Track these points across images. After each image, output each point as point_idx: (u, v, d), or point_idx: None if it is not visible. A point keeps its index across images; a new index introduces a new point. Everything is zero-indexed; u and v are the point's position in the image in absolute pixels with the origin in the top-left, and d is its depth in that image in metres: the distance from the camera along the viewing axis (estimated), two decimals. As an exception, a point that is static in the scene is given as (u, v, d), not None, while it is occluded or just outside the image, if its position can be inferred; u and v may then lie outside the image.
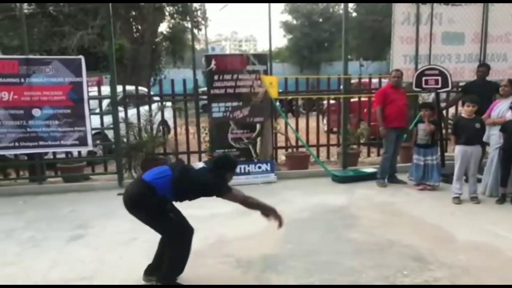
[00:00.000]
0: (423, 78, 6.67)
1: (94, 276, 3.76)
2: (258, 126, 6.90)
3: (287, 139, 7.74)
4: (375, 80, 8.60)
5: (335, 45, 33.82)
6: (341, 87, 7.68)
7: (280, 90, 7.55)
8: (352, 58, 29.30)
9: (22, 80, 6.23)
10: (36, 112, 6.31)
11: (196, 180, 3.29)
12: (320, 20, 34.42)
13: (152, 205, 3.27)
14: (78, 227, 4.97)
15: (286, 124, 7.48)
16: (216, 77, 6.76)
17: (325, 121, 10.41)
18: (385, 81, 7.67)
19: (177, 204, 3.54)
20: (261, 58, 7.00)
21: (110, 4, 6.66)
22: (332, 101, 8.94)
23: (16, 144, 6.31)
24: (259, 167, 6.89)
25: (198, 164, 3.48)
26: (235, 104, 6.81)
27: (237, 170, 6.62)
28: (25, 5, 13.84)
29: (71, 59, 6.67)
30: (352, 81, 8.54)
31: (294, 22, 34.98)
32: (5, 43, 15.37)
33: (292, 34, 34.89)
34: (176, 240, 3.42)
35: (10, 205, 5.96)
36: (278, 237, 4.55)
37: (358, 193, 6.13)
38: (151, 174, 3.36)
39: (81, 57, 6.45)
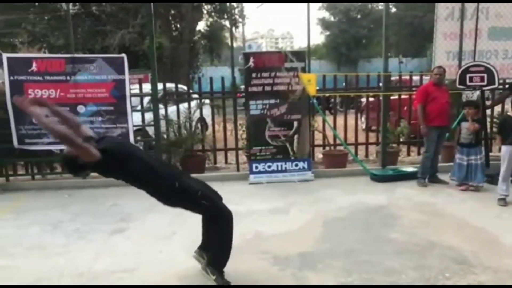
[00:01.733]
0: (468, 75, 6.45)
1: (135, 269, 3.87)
2: (295, 123, 6.87)
3: (324, 137, 7.68)
4: (416, 78, 8.39)
5: (373, 41, 33.30)
6: (381, 84, 7.55)
7: (318, 88, 7.50)
8: (391, 55, 28.68)
9: (68, 78, 6.47)
10: (80, 108, 6.54)
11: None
12: (358, 16, 33.90)
13: (177, 194, 3.33)
14: (120, 221, 5.13)
15: (324, 121, 7.42)
16: (254, 75, 6.79)
17: (363, 119, 10.27)
18: (426, 79, 7.48)
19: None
20: (299, 55, 6.96)
21: (152, 4, 6.82)
22: (371, 99, 8.80)
23: (62, 139, 6.56)
24: (296, 165, 6.86)
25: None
26: (272, 101, 6.82)
27: (274, 167, 6.78)
28: (71, 5, 14.32)
29: (114, 57, 6.88)
30: (392, 78, 8.36)
31: (332, 18, 34.59)
32: (51, 42, 16.01)
33: (330, 30, 34.54)
34: (214, 218, 3.46)
35: (57, 198, 6.22)
36: (316, 235, 4.55)
37: (398, 192, 6.01)
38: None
39: (124, 55, 6.63)
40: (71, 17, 7.50)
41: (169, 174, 3.40)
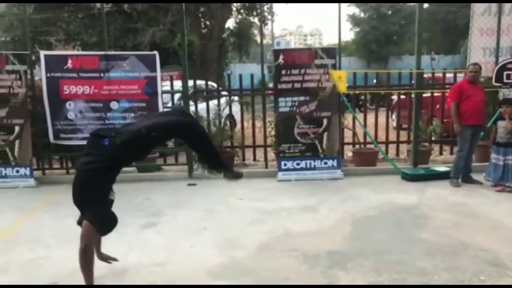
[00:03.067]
0: (505, 73, 6.28)
1: (167, 263, 3.94)
2: (325, 121, 6.82)
3: (354, 134, 7.60)
4: (449, 75, 8.19)
5: (404, 38, 32.70)
6: (413, 81, 7.40)
7: (348, 85, 7.41)
8: (423, 51, 28.04)
9: (102, 74, 6.62)
10: (113, 105, 6.68)
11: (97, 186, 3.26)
12: (389, 12, 33.32)
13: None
14: (151, 215, 5.22)
15: (354, 119, 7.34)
16: (283, 72, 6.77)
17: (394, 117, 10.10)
18: (460, 76, 7.29)
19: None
20: (329, 52, 6.91)
21: (184, 4, 6.89)
22: (402, 96, 8.65)
23: (96, 135, 6.71)
24: (325, 163, 6.82)
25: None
26: (302, 98, 6.78)
27: (303, 165, 6.74)
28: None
29: (146, 54, 7.01)
30: (425, 75, 8.18)
31: (362, 15, 34.12)
32: (85, 40, 16.41)
33: (360, 27, 34.09)
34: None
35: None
36: (345, 234, 4.52)
37: (430, 192, 5.89)
38: None
39: (156, 52, 6.73)
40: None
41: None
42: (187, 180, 6.80)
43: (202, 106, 7.71)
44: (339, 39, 7.16)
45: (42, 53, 6.73)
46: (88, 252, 3.24)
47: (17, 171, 6.80)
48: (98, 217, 3.23)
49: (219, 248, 4.21)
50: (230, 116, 8.09)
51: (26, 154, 6.80)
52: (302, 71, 6.73)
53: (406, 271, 3.64)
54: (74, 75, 6.58)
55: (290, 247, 4.19)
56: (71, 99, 6.64)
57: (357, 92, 8.47)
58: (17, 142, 6.75)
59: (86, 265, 3.23)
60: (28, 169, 6.83)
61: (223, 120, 7.74)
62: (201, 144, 3.40)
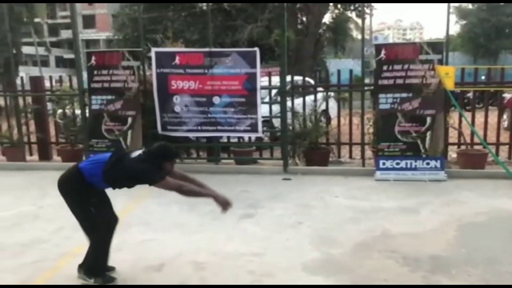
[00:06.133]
0: None
1: (263, 254, 4.05)
2: (428, 119, 6.47)
3: (460, 134, 7.11)
4: None
5: (519, 31, 29.79)
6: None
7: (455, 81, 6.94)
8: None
9: (206, 70, 6.93)
10: (216, 100, 6.95)
11: (129, 169, 3.35)
12: (501, 3, 30.53)
13: (76, 191, 3.41)
14: (249, 207, 5.37)
15: (461, 118, 6.87)
16: (385, 67, 6.54)
17: (505, 117, 9.28)
18: None
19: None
20: (435, 46, 6.53)
21: (285, 4, 6.96)
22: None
23: (199, 127, 7.07)
24: (427, 164, 6.47)
25: (135, 152, 3.47)
26: (404, 95, 6.49)
27: (403, 164, 6.47)
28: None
29: (247, 51, 7.20)
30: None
31: (470, 6, 31.68)
32: (187, 37, 17.34)
33: (466, 20, 31.69)
34: (91, 233, 3.51)
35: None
36: (450, 239, 4.29)
37: (549, 201, 5.34)
38: (87, 160, 3.56)
39: (256, 49, 6.88)
40: (205, 13, 7.99)
41: None
42: (282, 175, 6.89)
43: (298, 101, 7.74)
44: (447, 33, 6.77)
45: (153, 49, 7.20)
46: (183, 187, 3.44)
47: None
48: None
49: (314, 244, 4.23)
50: (326, 112, 8.01)
51: (136, 143, 7.33)
52: (406, 66, 6.44)
53: (521, 284, 3.36)
54: (181, 71, 6.96)
55: (389, 248, 4.08)
56: (178, 93, 7.02)
57: (465, 89, 7.91)
58: (129, 132, 7.32)
59: (193, 193, 3.51)
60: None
61: (318, 115, 7.69)
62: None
